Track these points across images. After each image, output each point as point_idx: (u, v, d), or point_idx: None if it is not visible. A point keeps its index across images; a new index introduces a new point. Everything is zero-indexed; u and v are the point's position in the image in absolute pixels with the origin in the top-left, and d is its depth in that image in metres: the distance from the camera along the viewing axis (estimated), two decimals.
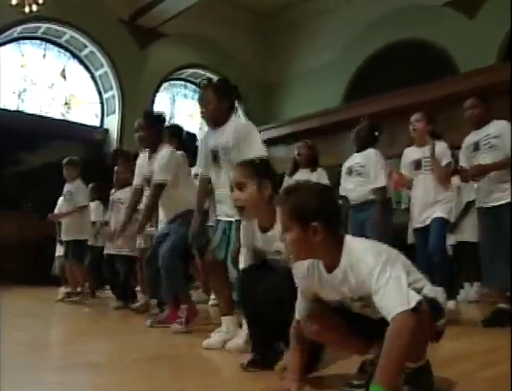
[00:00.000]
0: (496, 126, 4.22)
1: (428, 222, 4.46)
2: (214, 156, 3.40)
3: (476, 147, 4.29)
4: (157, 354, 3.11)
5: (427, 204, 4.47)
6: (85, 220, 6.54)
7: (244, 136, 3.28)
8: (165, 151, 4.24)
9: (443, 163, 4.40)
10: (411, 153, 4.67)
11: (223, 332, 3.22)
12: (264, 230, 2.60)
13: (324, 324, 2.00)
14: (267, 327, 2.57)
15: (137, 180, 4.46)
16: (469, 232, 5.67)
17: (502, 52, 9.01)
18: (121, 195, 5.82)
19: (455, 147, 4.65)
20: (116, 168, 5.98)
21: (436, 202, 4.45)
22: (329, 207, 1.91)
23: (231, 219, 3.26)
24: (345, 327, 2.01)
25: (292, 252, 1.95)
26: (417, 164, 4.55)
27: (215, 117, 3.44)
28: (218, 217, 3.42)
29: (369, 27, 10.57)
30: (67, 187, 6.58)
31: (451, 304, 4.43)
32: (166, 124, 4.70)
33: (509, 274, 3.96)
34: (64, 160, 6.57)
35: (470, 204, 5.66)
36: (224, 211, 3.35)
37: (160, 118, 4.55)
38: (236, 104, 3.50)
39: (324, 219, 1.84)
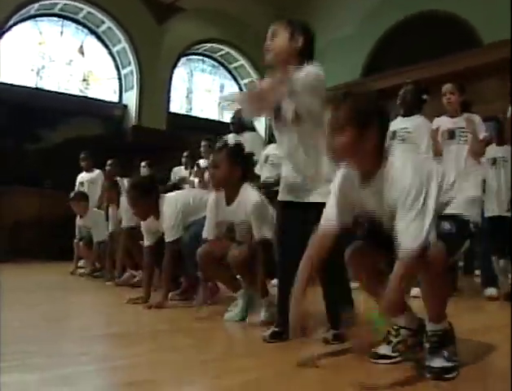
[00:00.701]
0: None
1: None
2: None
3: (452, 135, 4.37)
4: (181, 326, 3.14)
5: (459, 175, 4.42)
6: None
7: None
8: None
9: (481, 137, 4.35)
10: (444, 123, 4.57)
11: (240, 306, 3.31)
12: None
13: (363, 265, 2.16)
14: None
15: None
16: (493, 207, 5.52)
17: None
18: None
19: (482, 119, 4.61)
20: None
21: (468, 174, 4.38)
22: (384, 115, 2.02)
23: None
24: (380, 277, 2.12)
25: (339, 155, 2.01)
26: (452, 134, 4.48)
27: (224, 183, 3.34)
28: None
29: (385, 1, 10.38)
30: (81, 222, 6.53)
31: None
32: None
33: None
34: (71, 195, 6.46)
35: None
36: None
37: None
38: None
39: (377, 125, 1.95)
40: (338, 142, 1.94)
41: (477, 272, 5.50)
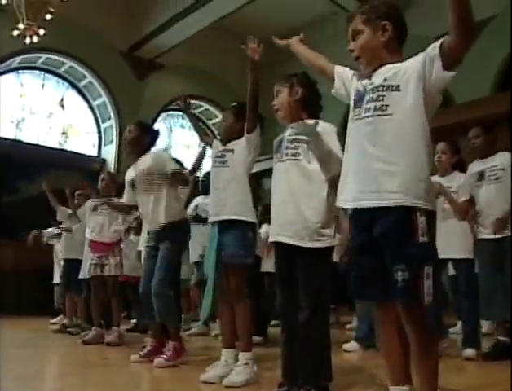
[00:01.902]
0: (502, 158, 4.25)
1: None
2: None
3: (481, 176, 4.32)
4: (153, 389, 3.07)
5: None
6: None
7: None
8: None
9: (460, 199, 4.31)
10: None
11: (221, 366, 3.18)
12: None
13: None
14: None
15: None
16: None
17: (498, 82, 9.13)
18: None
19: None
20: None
21: None
22: (399, 17, 2.15)
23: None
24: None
25: (359, 56, 2.15)
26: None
27: (229, 135, 3.50)
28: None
29: None
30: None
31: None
32: None
33: (508, 305, 3.96)
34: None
35: None
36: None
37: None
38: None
39: (394, 23, 2.08)
40: (358, 46, 2.14)
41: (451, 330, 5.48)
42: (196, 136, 13.09)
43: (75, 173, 10.79)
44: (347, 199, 2.08)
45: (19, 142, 10.52)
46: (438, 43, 1.97)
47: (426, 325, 1.96)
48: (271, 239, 2.76)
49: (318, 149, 2.65)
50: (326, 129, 2.70)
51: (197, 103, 12.72)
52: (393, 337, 2.01)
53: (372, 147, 2.00)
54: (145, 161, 4.10)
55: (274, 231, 2.73)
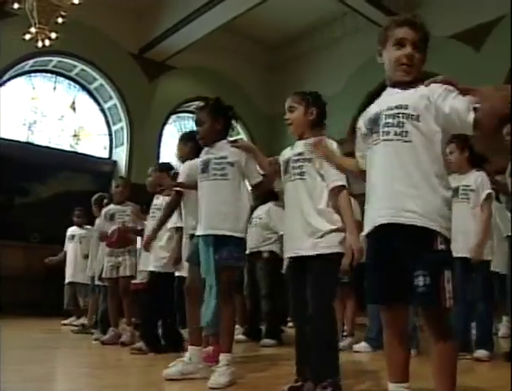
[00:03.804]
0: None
1: None
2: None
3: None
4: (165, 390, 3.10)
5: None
6: None
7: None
8: None
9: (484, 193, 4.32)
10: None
11: (184, 363, 3.33)
12: None
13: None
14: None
15: None
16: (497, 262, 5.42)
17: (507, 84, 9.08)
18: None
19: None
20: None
21: None
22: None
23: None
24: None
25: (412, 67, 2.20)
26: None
27: (209, 137, 3.51)
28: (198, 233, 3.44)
29: (375, 58, 10.60)
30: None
31: None
32: None
33: None
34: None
35: None
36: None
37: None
38: (234, 124, 3.69)
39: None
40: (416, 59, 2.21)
41: None
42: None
43: (86, 175, 10.88)
44: (371, 222, 2.15)
45: (31, 144, 10.59)
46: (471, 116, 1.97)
47: (447, 328, 2.05)
48: (286, 255, 2.95)
49: (322, 165, 2.82)
50: (328, 145, 2.82)
51: None
52: (397, 338, 2.12)
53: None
54: None
55: (290, 247, 2.89)
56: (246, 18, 10.67)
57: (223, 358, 3.19)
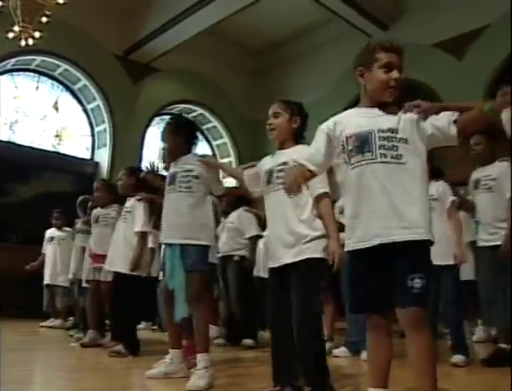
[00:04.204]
0: (497, 168, 4.33)
1: None
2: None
3: (477, 184, 4.40)
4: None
5: None
6: None
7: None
8: None
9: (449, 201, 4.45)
10: None
11: (167, 364, 3.48)
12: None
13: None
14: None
15: None
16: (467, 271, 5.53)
17: (488, 94, 9.19)
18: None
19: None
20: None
21: None
22: None
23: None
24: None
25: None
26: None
27: (173, 153, 3.73)
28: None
29: None
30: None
31: None
32: None
33: (508, 313, 4.01)
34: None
35: None
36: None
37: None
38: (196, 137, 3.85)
39: None
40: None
41: None
42: None
43: (68, 176, 10.80)
44: (365, 237, 2.25)
45: (13, 144, 10.47)
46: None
47: (428, 325, 2.20)
48: (270, 265, 2.95)
49: None
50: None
51: (192, 107, 12.74)
52: (382, 343, 2.24)
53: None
54: None
55: (274, 257, 2.91)
56: (231, 22, 10.69)
57: (201, 359, 3.28)
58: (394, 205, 2.20)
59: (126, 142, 11.27)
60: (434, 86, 9.09)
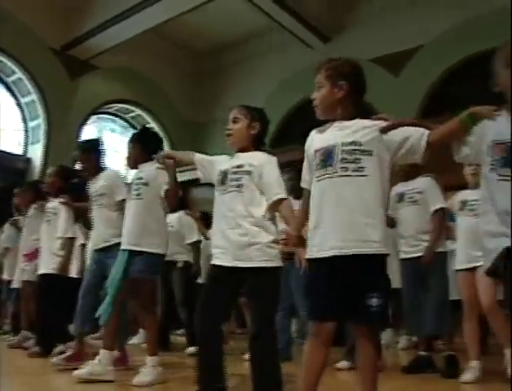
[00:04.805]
0: (422, 183, 4.47)
1: None
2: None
3: (401, 198, 4.52)
4: None
5: None
6: None
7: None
8: None
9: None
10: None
11: (94, 364, 3.51)
12: None
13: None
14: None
15: None
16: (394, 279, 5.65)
17: (422, 110, 9.51)
18: None
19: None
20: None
21: None
22: (357, 77, 2.45)
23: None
24: None
25: (318, 107, 2.43)
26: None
27: (133, 162, 3.92)
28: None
29: (296, 75, 10.80)
30: None
31: None
32: None
33: (430, 322, 4.17)
34: None
35: None
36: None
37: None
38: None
39: (350, 83, 2.38)
40: (318, 97, 2.42)
41: None
42: (124, 141, 12.94)
43: None
44: (323, 248, 2.29)
45: None
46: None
47: (379, 341, 2.37)
48: (217, 263, 2.87)
49: (261, 178, 2.85)
50: (268, 159, 2.92)
51: (130, 107, 12.58)
52: (320, 350, 2.29)
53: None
54: None
55: (221, 256, 2.84)
56: (175, 23, 10.67)
57: (149, 360, 3.51)
58: (351, 219, 2.25)
59: (61, 139, 10.99)
60: (371, 101, 9.25)
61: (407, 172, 4.51)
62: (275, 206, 2.84)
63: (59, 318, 4.71)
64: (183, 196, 5.71)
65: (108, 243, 4.03)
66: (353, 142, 2.30)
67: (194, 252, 5.80)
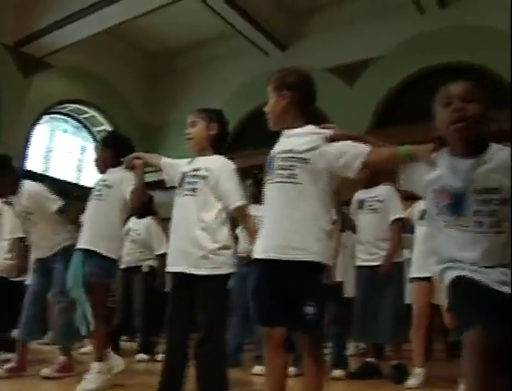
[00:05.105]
0: (384, 191, 4.51)
1: None
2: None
3: (361, 205, 4.58)
4: None
5: None
6: None
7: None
8: None
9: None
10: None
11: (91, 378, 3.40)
12: None
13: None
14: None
15: None
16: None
17: (376, 120, 9.69)
18: None
19: None
20: None
21: None
22: (304, 88, 2.48)
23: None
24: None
25: (268, 117, 2.50)
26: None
27: (101, 165, 3.85)
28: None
29: (254, 81, 10.73)
30: None
31: None
32: None
33: (386, 331, 4.25)
34: None
35: None
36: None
37: None
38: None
39: (295, 93, 2.42)
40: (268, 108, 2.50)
41: None
42: (77, 142, 12.75)
43: None
44: (265, 250, 2.34)
45: None
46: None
47: (322, 349, 2.38)
48: (169, 269, 2.92)
49: (217, 184, 2.86)
50: (226, 165, 2.94)
51: (84, 108, 12.39)
52: (279, 356, 2.30)
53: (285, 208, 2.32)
54: None
55: (174, 261, 2.89)
56: (132, 25, 10.59)
57: (95, 366, 3.40)
58: (285, 225, 2.28)
59: (12, 138, 10.71)
60: (325, 110, 9.41)
61: (368, 179, 4.54)
62: (234, 213, 2.86)
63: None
64: (151, 202, 5.64)
65: (50, 253, 4.04)
66: (290, 150, 2.34)
67: (160, 262, 5.43)
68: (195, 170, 2.90)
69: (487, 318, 1.72)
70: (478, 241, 1.91)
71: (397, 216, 4.39)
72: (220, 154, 3.01)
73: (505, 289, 1.80)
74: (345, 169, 2.29)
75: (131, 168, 3.43)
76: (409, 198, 4.47)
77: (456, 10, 9.11)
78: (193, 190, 2.85)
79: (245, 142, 10.53)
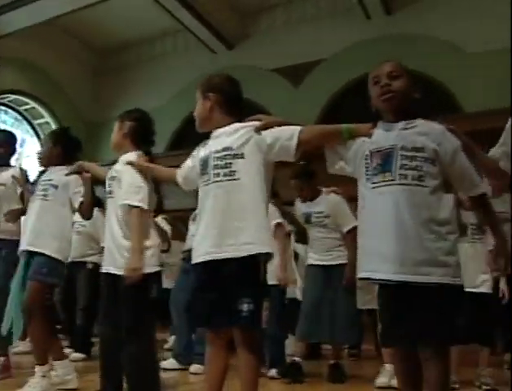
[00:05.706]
0: (329, 203, 4.53)
1: None
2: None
3: (308, 219, 4.58)
4: None
5: None
6: None
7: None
8: None
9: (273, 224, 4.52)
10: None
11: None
12: None
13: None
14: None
15: None
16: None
17: (320, 121, 9.79)
18: None
19: None
20: None
21: None
22: (227, 89, 2.54)
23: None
24: None
25: (196, 121, 2.60)
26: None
27: (45, 160, 3.76)
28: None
29: (201, 79, 10.61)
30: None
31: None
32: None
33: (342, 332, 4.34)
34: None
35: None
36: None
37: None
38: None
39: (218, 94, 2.50)
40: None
41: None
42: (18, 134, 12.32)
43: None
44: (204, 253, 2.35)
45: None
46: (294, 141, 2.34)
47: (258, 346, 2.38)
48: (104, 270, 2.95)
49: (120, 182, 2.91)
50: (127, 162, 2.95)
51: (24, 99, 12.04)
52: (218, 356, 2.35)
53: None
54: None
55: (104, 263, 2.95)
56: (78, 17, 10.37)
57: (38, 370, 3.28)
58: (223, 224, 2.30)
59: None
60: (271, 109, 9.45)
61: (304, 191, 4.57)
62: (126, 212, 2.84)
63: None
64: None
65: None
66: (224, 148, 2.38)
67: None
68: (112, 172, 3.02)
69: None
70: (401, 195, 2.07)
71: (350, 226, 4.35)
72: (145, 152, 3.04)
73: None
74: (283, 153, 2.36)
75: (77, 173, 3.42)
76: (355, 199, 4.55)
77: (402, 18, 9.32)
78: (110, 192, 3.00)
79: (189, 140, 10.45)
